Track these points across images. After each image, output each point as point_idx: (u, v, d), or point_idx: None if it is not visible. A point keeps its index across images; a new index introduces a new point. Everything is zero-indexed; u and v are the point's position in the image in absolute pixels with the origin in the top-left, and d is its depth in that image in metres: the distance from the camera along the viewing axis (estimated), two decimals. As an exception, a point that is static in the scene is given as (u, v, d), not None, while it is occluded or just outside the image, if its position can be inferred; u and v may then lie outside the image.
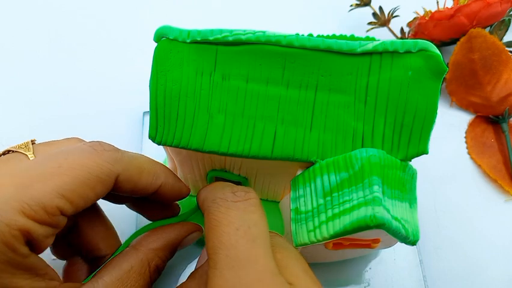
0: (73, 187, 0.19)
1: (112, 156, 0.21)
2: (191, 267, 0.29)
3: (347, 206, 0.22)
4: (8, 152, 0.23)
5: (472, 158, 0.36)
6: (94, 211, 0.25)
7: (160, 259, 0.24)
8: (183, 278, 0.29)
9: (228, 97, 0.24)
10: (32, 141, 0.23)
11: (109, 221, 0.26)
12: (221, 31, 0.23)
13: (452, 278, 0.31)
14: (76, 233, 0.24)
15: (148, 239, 0.24)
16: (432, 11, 0.39)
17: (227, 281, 0.18)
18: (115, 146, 0.23)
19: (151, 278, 0.23)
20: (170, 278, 0.29)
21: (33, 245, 0.19)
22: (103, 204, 0.26)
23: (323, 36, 0.26)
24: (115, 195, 0.25)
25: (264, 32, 0.23)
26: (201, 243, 0.30)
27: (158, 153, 0.26)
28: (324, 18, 0.45)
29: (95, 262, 0.25)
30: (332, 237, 0.22)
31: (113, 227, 0.26)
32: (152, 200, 0.25)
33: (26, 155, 0.22)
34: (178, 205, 0.28)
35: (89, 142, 0.22)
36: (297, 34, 0.24)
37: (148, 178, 0.23)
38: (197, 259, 0.29)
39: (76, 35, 0.42)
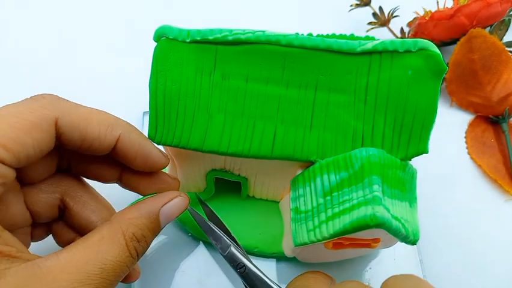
0: (4, 133, 0.19)
1: (50, 102, 0.21)
2: (185, 264, 0.29)
3: (347, 205, 0.22)
4: None
5: (472, 158, 0.36)
6: (79, 187, 0.25)
7: (136, 227, 0.22)
8: (177, 276, 0.29)
9: (228, 97, 0.24)
10: None
11: (98, 193, 0.26)
12: (221, 31, 0.23)
13: (452, 278, 0.31)
14: (68, 214, 0.24)
15: (123, 211, 0.23)
16: (432, 11, 0.39)
17: None
18: None
19: (128, 247, 0.21)
20: (165, 274, 0.29)
21: None
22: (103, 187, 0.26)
23: (322, 35, 0.26)
24: (102, 171, 0.24)
25: (263, 31, 0.23)
26: (196, 238, 0.30)
27: (158, 153, 0.26)
28: (324, 18, 0.45)
29: None
30: (332, 236, 0.22)
31: (104, 199, 0.26)
32: (140, 172, 0.24)
33: None
34: (174, 178, 0.26)
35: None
36: (297, 34, 0.24)
37: (99, 127, 0.22)
38: (190, 254, 0.29)
39: (75, 34, 0.42)
